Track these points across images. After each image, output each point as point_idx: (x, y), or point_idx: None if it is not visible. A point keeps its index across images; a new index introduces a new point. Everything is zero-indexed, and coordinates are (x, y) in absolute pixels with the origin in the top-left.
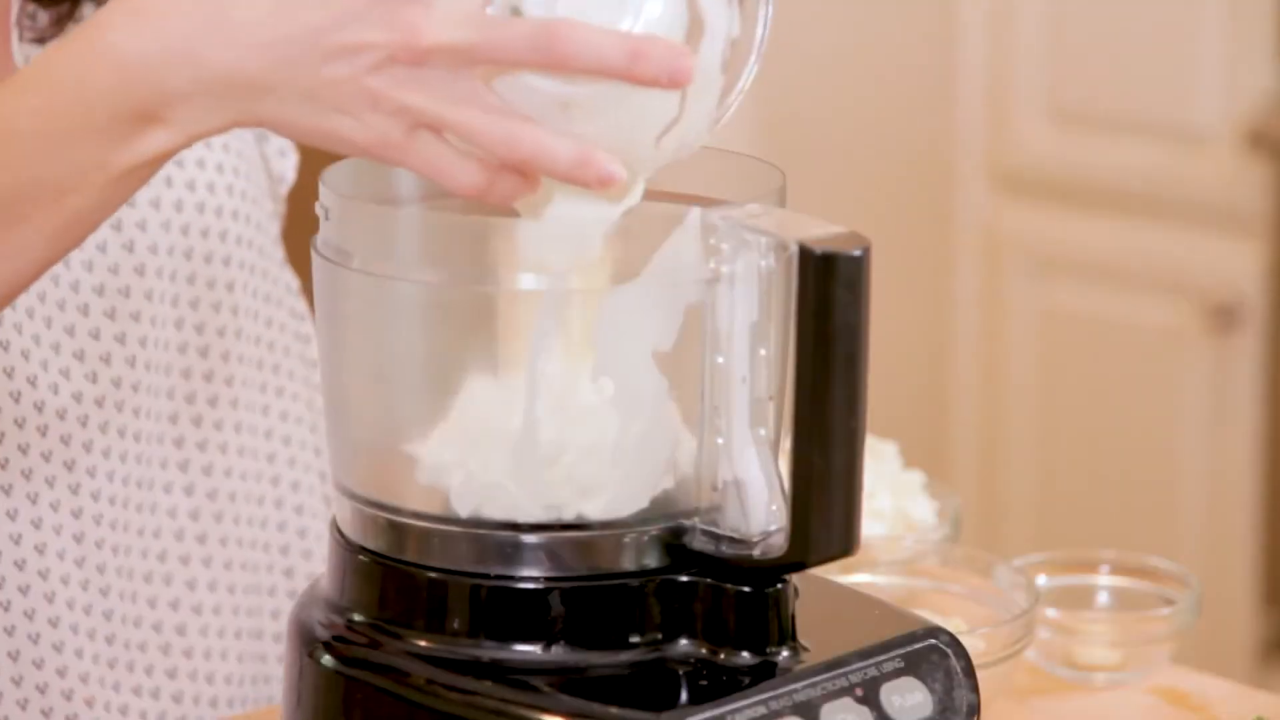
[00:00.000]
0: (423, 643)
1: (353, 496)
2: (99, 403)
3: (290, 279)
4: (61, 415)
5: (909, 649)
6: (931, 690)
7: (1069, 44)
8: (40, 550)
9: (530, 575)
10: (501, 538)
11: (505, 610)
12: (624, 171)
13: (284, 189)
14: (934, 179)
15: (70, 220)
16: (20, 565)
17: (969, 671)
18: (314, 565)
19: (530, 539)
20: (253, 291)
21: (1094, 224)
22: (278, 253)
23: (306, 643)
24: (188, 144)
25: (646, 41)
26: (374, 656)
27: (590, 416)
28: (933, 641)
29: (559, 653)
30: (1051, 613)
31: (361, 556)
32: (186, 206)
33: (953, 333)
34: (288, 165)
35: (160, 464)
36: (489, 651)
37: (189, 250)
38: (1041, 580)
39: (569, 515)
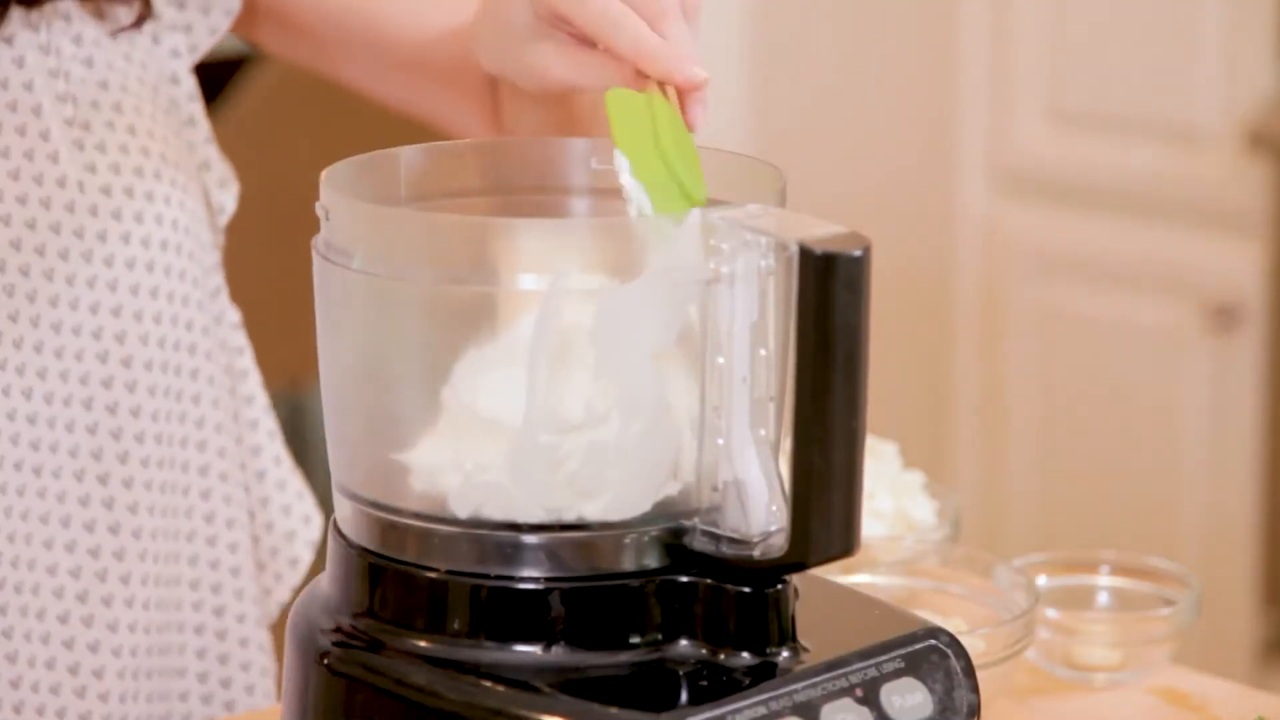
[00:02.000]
0: (423, 643)
1: (353, 497)
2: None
3: (226, 310)
4: None
5: (909, 649)
6: (931, 690)
7: (1069, 44)
8: None
9: (530, 576)
10: (501, 538)
11: (505, 611)
12: None
13: (223, 219)
14: (934, 179)
15: None
16: None
17: (969, 671)
18: (223, 599)
19: (530, 539)
20: (175, 321)
21: (1094, 224)
22: (210, 283)
23: (306, 643)
24: None
25: None
26: (374, 657)
27: (590, 417)
28: (933, 642)
29: (559, 653)
30: (1051, 613)
31: (362, 557)
32: (133, 239)
33: (953, 333)
34: (228, 196)
35: (58, 498)
36: (489, 652)
37: (113, 282)
38: (1041, 580)
39: (569, 516)
